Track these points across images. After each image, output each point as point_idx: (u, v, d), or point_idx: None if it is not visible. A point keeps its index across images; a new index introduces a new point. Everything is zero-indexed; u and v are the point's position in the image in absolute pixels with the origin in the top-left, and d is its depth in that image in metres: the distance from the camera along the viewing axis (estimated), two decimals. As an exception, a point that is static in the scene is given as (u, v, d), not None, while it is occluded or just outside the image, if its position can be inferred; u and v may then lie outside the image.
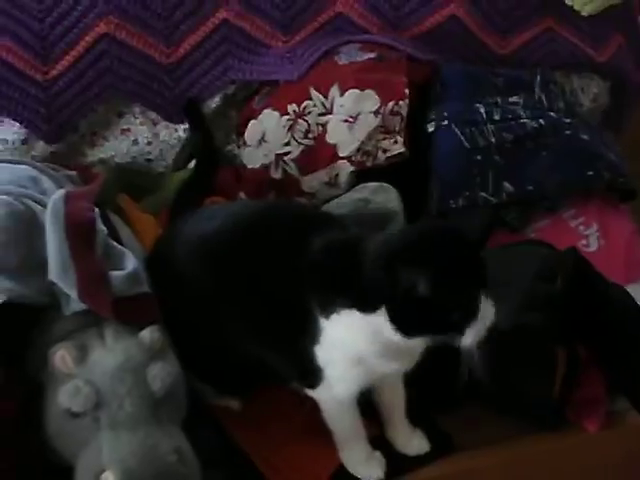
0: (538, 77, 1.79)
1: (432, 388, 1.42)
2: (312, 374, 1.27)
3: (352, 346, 1.22)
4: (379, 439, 1.39)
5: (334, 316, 1.21)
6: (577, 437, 1.44)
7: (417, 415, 1.41)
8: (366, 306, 1.18)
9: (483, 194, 1.63)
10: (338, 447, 1.35)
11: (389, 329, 1.17)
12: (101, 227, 1.35)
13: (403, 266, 1.13)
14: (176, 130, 1.78)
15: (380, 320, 1.17)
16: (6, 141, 1.70)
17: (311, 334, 1.23)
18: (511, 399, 1.41)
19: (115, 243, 1.36)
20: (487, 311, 1.18)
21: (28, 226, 1.30)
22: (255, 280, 1.28)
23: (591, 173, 1.68)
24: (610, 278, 1.50)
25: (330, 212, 1.54)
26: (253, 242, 1.30)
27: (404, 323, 1.16)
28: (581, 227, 1.68)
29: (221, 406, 1.42)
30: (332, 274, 1.21)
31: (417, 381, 1.38)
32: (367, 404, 1.37)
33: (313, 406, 1.33)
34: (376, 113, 1.65)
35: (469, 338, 1.18)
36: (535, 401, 1.39)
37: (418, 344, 1.22)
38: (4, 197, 1.32)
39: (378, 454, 1.36)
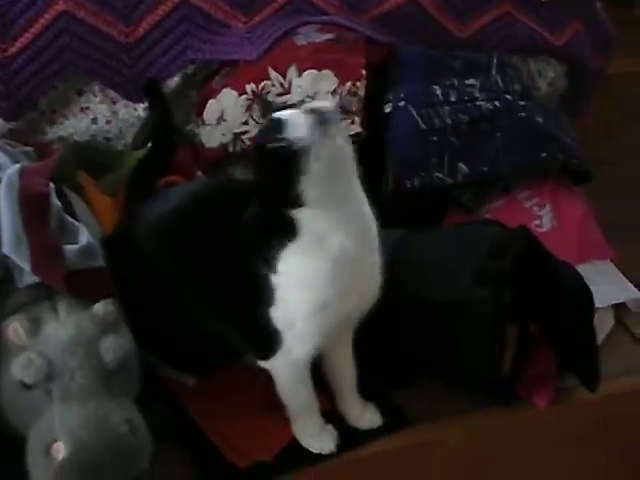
0: (495, 60, 1.81)
1: (385, 363, 1.45)
2: (269, 342, 1.28)
3: (309, 283, 1.24)
4: (332, 413, 1.40)
5: (280, 266, 1.23)
6: (528, 412, 1.47)
7: (369, 389, 1.42)
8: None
9: (438, 174, 1.65)
10: (291, 420, 1.37)
11: None
12: (55, 202, 1.36)
13: None
14: (135, 109, 1.78)
15: None
16: (-36, 118, 1.69)
17: (266, 297, 1.26)
18: (460, 374, 1.43)
19: (70, 218, 1.36)
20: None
21: (-19, 200, 1.30)
22: (206, 255, 1.30)
23: (545, 155, 1.71)
24: (562, 258, 1.53)
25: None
26: (202, 218, 1.33)
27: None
28: (535, 208, 1.70)
29: (176, 381, 1.43)
30: (263, 226, 1.24)
31: (370, 356, 1.40)
32: (320, 378, 1.39)
33: (267, 381, 1.35)
34: (333, 93, 1.66)
35: None
36: (484, 377, 1.40)
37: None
38: (-43, 171, 1.32)
39: (330, 427, 1.38)
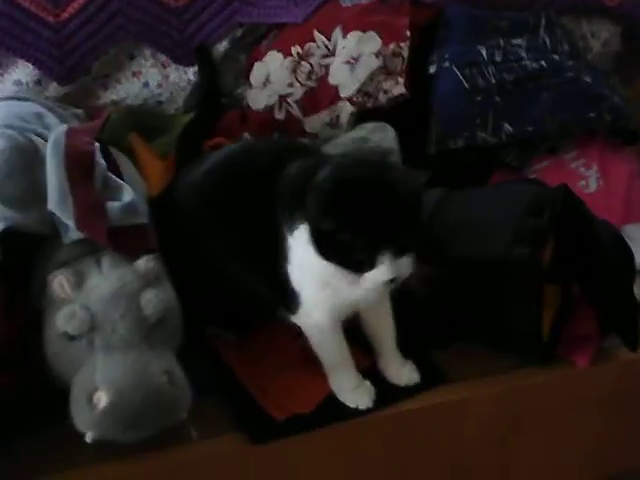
0: (543, 20, 1.79)
1: (425, 322, 1.46)
2: (291, 298, 1.31)
3: (311, 263, 1.25)
4: (371, 370, 1.42)
5: (296, 233, 1.25)
6: (567, 371, 1.46)
7: (409, 348, 1.44)
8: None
9: (482, 134, 1.65)
10: (328, 375, 1.39)
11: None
12: (100, 161, 1.39)
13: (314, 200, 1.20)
14: (185, 72, 1.82)
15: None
16: (20, 82, 1.74)
17: (284, 254, 1.28)
18: (498, 333, 1.44)
19: (114, 176, 1.40)
20: (393, 267, 1.21)
21: (30, 159, 1.35)
22: (240, 211, 1.34)
23: (592, 115, 1.69)
24: (608, 218, 1.52)
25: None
26: (236, 176, 1.36)
27: (318, 248, 1.21)
28: (582, 168, 1.69)
29: (218, 338, 1.47)
30: (292, 191, 1.25)
31: (410, 315, 1.42)
32: (359, 334, 1.41)
33: (306, 339, 1.37)
34: (377, 54, 1.67)
35: (366, 283, 1.22)
36: (522, 335, 1.40)
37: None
38: (8, 131, 1.37)
39: (367, 383, 1.39)
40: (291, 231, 1.26)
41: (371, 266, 1.20)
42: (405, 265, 1.22)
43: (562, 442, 1.50)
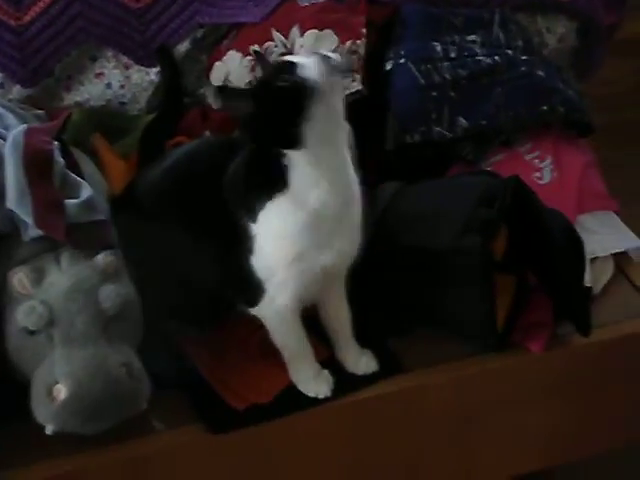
0: (497, 16, 1.82)
1: (381, 311, 1.49)
2: (253, 290, 1.34)
3: (285, 235, 1.29)
4: (330, 361, 1.45)
5: (261, 215, 1.29)
6: (522, 358, 1.49)
7: (366, 337, 1.47)
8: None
9: (438, 129, 1.67)
10: (288, 366, 1.42)
11: None
12: (59, 159, 1.42)
13: None
14: (148, 73, 1.84)
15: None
16: (-17, 85, 1.77)
17: (246, 246, 1.31)
18: (452, 321, 1.47)
19: (72, 174, 1.42)
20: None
21: (-13, 157, 1.37)
22: (198, 208, 1.37)
23: (545, 108, 1.72)
24: (562, 209, 1.56)
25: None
26: (192, 171, 1.40)
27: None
28: (536, 160, 1.72)
29: (179, 333, 1.49)
30: (250, 174, 1.30)
31: (366, 304, 1.45)
32: (318, 327, 1.44)
33: (266, 331, 1.40)
34: (334, 52, 1.69)
35: None
36: (475, 323, 1.44)
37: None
38: (-35, 131, 1.39)
39: (326, 372, 1.42)
40: (254, 215, 1.29)
41: None
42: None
43: (518, 427, 1.53)
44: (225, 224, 1.32)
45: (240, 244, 1.32)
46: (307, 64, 1.24)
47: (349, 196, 1.32)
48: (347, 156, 1.32)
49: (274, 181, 1.28)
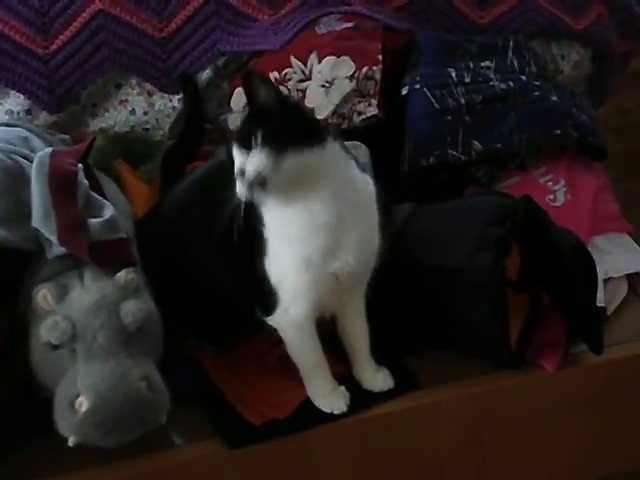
0: (511, 43, 1.87)
1: (397, 329, 1.52)
2: (268, 296, 1.37)
3: (290, 241, 1.32)
4: (347, 377, 1.47)
5: (268, 218, 1.33)
6: (536, 376, 1.51)
7: (383, 354, 1.49)
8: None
9: (453, 152, 1.71)
10: (304, 380, 1.44)
11: None
12: (83, 180, 1.46)
13: None
14: (170, 100, 1.90)
15: None
16: (12, 112, 1.83)
17: (260, 250, 1.35)
18: (467, 339, 1.50)
19: (96, 195, 1.47)
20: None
21: (15, 179, 1.42)
22: (218, 219, 1.39)
23: (559, 132, 1.75)
24: (576, 231, 1.58)
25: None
26: (216, 187, 1.40)
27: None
28: (550, 183, 1.75)
29: (199, 348, 1.53)
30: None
31: (383, 322, 1.47)
32: (337, 344, 1.47)
33: (285, 348, 1.43)
34: (351, 78, 1.75)
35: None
36: (488, 341, 1.46)
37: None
38: (-6, 153, 1.44)
39: (342, 388, 1.44)
40: (263, 220, 1.33)
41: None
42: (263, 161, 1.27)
43: (532, 445, 1.55)
44: (246, 233, 1.35)
45: (256, 250, 1.35)
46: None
47: (353, 210, 1.34)
48: (348, 178, 1.35)
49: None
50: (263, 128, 1.27)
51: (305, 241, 1.32)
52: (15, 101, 1.82)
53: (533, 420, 1.53)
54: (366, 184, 1.38)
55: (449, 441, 1.51)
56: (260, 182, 1.26)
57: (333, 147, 1.33)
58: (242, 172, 1.28)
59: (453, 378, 1.50)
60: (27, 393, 1.36)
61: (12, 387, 1.37)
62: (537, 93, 1.78)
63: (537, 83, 1.80)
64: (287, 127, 1.28)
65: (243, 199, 1.29)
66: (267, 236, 1.34)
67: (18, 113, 1.83)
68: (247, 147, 1.28)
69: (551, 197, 1.72)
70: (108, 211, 1.44)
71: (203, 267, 1.44)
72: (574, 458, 1.59)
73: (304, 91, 1.77)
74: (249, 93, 1.30)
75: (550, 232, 1.47)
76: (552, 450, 1.56)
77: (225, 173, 1.36)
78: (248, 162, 1.27)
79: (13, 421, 1.36)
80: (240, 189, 1.29)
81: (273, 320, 1.40)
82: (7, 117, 1.83)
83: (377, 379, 1.48)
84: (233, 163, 1.32)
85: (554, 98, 1.79)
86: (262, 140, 1.27)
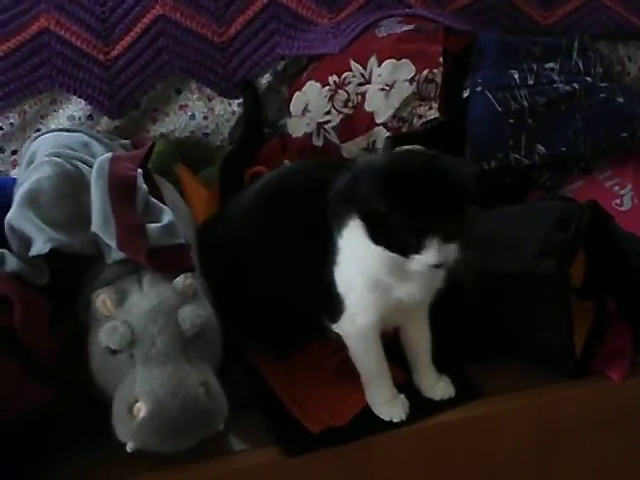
0: (576, 44, 1.83)
1: (460, 337, 1.49)
2: (335, 303, 1.35)
3: (362, 260, 1.30)
4: (407, 385, 1.45)
5: (345, 231, 1.30)
6: (601, 385, 1.47)
7: (444, 362, 1.47)
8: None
9: (516, 156, 1.68)
10: (364, 388, 1.42)
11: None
12: (142, 185, 1.46)
13: (366, 182, 1.23)
14: (230, 105, 1.90)
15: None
16: (73, 117, 1.85)
17: (332, 256, 1.33)
18: (530, 347, 1.46)
19: (155, 200, 1.47)
20: (441, 252, 1.23)
21: (76, 184, 1.43)
22: (290, 221, 1.39)
23: (625, 135, 1.71)
24: (642, 236, 1.54)
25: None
26: (289, 191, 1.42)
27: (368, 230, 1.25)
28: (616, 187, 1.71)
29: (257, 354, 1.52)
30: (343, 188, 1.28)
31: (446, 330, 1.45)
32: (397, 352, 1.45)
33: (345, 354, 1.41)
34: (411, 81, 1.73)
35: (414, 265, 1.25)
36: (552, 348, 1.42)
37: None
38: (55, 159, 1.45)
39: (402, 397, 1.42)
40: (341, 230, 1.31)
41: (418, 249, 1.23)
42: (452, 251, 1.24)
43: (595, 456, 1.51)
44: (318, 236, 1.34)
45: (329, 255, 1.34)
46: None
47: None
48: None
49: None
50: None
51: (377, 262, 1.30)
52: (76, 107, 1.84)
53: (596, 430, 1.49)
54: None
55: (510, 451, 1.47)
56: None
57: None
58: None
59: (515, 388, 1.46)
60: (87, 397, 1.36)
61: (72, 391, 1.37)
62: (603, 95, 1.74)
63: (603, 85, 1.77)
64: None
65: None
66: (341, 246, 1.33)
67: (79, 118, 1.85)
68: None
69: (617, 201, 1.68)
70: (167, 216, 1.43)
71: (268, 272, 1.43)
72: (638, 469, 1.54)
73: (363, 95, 1.76)
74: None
75: (617, 238, 1.43)
76: (616, 461, 1.52)
77: (295, 180, 1.35)
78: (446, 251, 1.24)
79: (73, 425, 1.36)
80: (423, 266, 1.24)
81: (339, 327, 1.39)
82: (69, 122, 1.85)
83: (438, 387, 1.45)
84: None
85: (620, 100, 1.75)
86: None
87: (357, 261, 1.31)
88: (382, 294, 1.32)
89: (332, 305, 1.37)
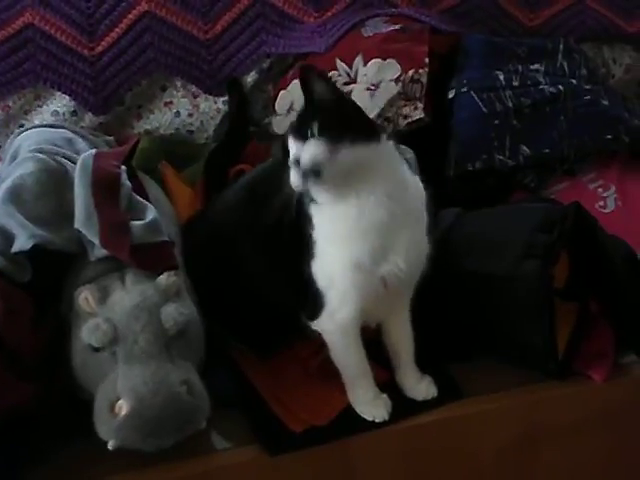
0: (561, 46, 1.83)
1: (442, 337, 1.49)
2: (314, 299, 1.35)
3: (339, 245, 1.31)
4: (389, 384, 1.45)
5: (315, 220, 1.31)
6: (583, 386, 1.47)
7: (427, 362, 1.47)
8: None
9: (500, 157, 1.68)
10: (346, 388, 1.42)
11: None
12: (126, 182, 1.45)
13: None
14: (215, 102, 1.90)
15: None
16: (57, 113, 1.84)
17: (308, 251, 1.33)
18: (512, 347, 1.46)
19: (138, 197, 1.46)
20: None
21: (59, 180, 1.42)
22: (268, 220, 1.38)
23: (610, 137, 1.72)
24: (627, 238, 1.54)
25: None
26: (267, 189, 1.40)
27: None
28: (600, 189, 1.72)
29: (240, 353, 1.51)
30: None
31: (427, 329, 1.45)
32: (379, 352, 1.45)
33: (327, 354, 1.41)
34: (397, 81, 1.73)
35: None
36: (535, 349, 1.42)
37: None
38: (38, 155, 1.44)
39: (384, 396, 1.42)
40: (311, 222, 1.32)
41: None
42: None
43: (577, 456, 1.51)
44: (299, 237, 1.34)
45: (304, 252, 1.34)
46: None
47: (401, 211, 1.32)
48: (399, 180, 1.34)
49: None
50: (320, 119, 1.26)
51: (355, 241, 1.30)
52: (61, 102, 1.83)
53: (579, 430, 1.49)
54: (417, 186, 1.37)
55: (492, 451, 1.48)
56: (315, 171, 1.25)
57: (387, 145, 1.32)
58: (297, 161, 1.26)
59: (497, 388, 1.47)
60: (69, 395, 1.36)
61: (54, 388, 1.37)
62: (587, 97, 1.75)
63: (588, 87, 1.77)
64: (343, 120, 1.27)
65: (298, 189, 1.27)
66: (315, 238, 1.33)
67: (63, 114, 1.84)
68: (303, 137, 1.27)
69: (601, 204, 1.69)
70: (150, 214, 1.43)
71: (250, 270, 1.43)
72: (620, 469, 1.55)
73: (349, 94, 1.75)
74: (306, 86, 1.29)
75: (600, 240, 1.44)
76: (597, 462, 1.53)
77: (275, 177, 1.35)
78: (304, 151, 1.26)
79: (55, 423, 1.35)
80: (295, 179, 1.27)
81: (318, 324, 1.38)
82: (53, 118, 1.84)
83: (420, 387, 1.45)
84: (287, 162, 1.31)
85: (605, 102, 1.75)
86: (318, 130, 1.25)
87: (335, 245, 1.31)
88: (365, 274, 1.32)
89: (311, 302, 1.36)
